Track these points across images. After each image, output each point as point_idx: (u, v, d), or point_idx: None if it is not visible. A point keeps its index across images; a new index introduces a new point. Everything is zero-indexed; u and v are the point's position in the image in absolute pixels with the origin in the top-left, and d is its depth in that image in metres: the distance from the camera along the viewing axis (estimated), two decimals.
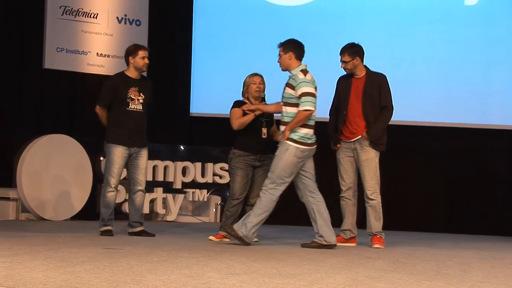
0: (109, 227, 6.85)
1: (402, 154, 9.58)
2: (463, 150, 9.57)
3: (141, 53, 6.86)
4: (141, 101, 6.88)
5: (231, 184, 6.89)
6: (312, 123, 6.36)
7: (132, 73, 6.91)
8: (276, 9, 9.89)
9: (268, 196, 6.39)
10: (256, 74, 6.92)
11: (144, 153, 6.95)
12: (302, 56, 6.46)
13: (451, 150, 9.58)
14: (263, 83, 6.91)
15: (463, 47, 9.54)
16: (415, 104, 9.49)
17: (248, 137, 6.76)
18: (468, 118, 9.47)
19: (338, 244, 6.74)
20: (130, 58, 6.87)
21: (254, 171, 6.83)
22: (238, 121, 6.72)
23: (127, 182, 7.28)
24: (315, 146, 6.39)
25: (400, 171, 9.64)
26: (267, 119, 6.82)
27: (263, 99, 6.88)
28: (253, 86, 6.86)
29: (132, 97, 6.83)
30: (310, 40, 9.66)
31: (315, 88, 6.35)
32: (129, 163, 6.92)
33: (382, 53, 9.43)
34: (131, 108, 6.82)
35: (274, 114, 6.85)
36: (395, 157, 9.47)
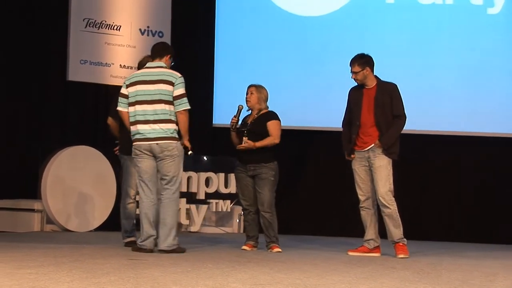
0: (133, 238, 6.87)
1: (426, 163, 9.52)
2: (488, 159, 9.48)
3: None
4: None
5: (238, 195, 7.28)
6: (135, 119, 6.30)
7: None
8: (297, 20, 9.89)
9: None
10: (250, 85, 7.09)
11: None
12: (152, 54, 6.49)
13: (476, 159, 9.50)
14: (254, 92, 7.00)
15: (486, 55, 9.47)
16: (437, 113, 9.43)
17: (238, 148, 7.00)
18: (492, 127, 9.39)
19: (362, 254, 6.74)
20: None
21: (253, 180, 6.98)
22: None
23: None
24: (147, 142, 6.27)
25: (425, 181, 9.59)
26: (248, 128, 6.95)
27: (239, 110, 7.02)
28: (246, 97, 7.04)
29: None
30: (332, 50, 9.77)
31: (134, 83, 6.33)
32: None
33: (404, 63, 9.40)
34: None
35: (260, 124, 6.96)
36: (420, 166, 9.44)
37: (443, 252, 7.55)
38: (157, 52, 6.46)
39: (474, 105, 9.44)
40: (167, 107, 6.26)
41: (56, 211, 8.43)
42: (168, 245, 6.23)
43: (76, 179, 8.56)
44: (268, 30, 9.92)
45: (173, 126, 6.28)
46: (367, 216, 6.86)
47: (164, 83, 6.28)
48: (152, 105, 6.26)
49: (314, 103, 9.69)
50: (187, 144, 6.34)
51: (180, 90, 6.29)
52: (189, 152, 6.40)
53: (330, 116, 9.50)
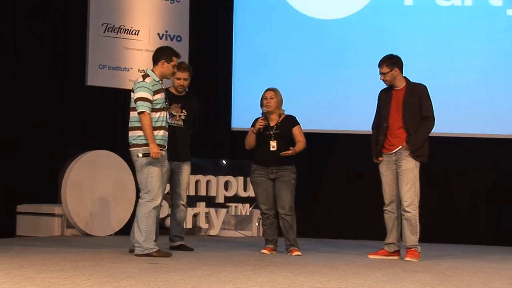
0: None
1: (447, 166, 9.45)
2: (510, 161, 9.43)
3: (177, 74, 6.94)
4: (182, 117, 6.98)
5: (256, 199, 7.22)
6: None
7: (174, 90, 7.03)
8: (316, 23, 9.87)
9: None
10: (268, 89, 7.03)
11: (185, 168, 7.00)
12: (153, 60, 6.56)
13: (497, 161, 9.45)
14: (274, 97, 6.98)
15: (506, 57, 9.42)
16: (457, 116, 9.38)
17: (260, 150, 7.01)
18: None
19: (382, 257, 6.72)
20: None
21: (273, 183, 6.96)
22: (245, 141, 7.05)
23: (169, 197, 7.34)
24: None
25: (446, 183, 9.53)
26: (276, 132, 6.93)
27: (264, 115, 6.98)
28: (263, 101, 7.01)
29: (173, 113, 6.91)
30: (351, 53, 9.74)
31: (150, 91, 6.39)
32: (171, 178, 6.99)
33: (423, 65, 9.34)
34: (171, 123, 6.86)
35: (286, 128, 6.96)
36: (440, 169, 9.37)
37: (465, 255, 7.51)
38: (153, 59, 6.56)
39: (494, 107, 9.38)
40: (134, 114, 6.37)
41: (76, 215, 8.46)
42: (137, 247, 6.31)
43: (95, 184, 8.59)
44: (287, 34, 9.91)
45: (136, 133, 6.34)
46: (390, 220, 6.83)
47: (132, 91, 6.43)
48: (130, 114, 6.45)
49: (333, 106, 9.66)
50: (151, 148, 6.25)
51: (137, 94, 6.34)
52: (139, 154, 6.30)
53: (348, 119, 9.49)
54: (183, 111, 6.99)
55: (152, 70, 6.47)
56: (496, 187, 9.48)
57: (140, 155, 6.29)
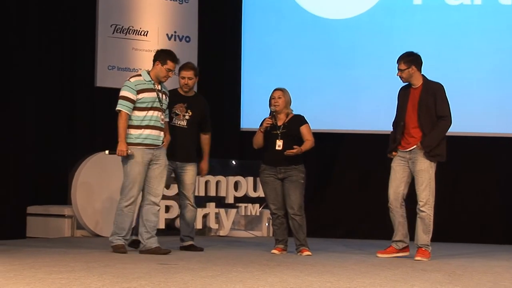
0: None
1: (457, 165, 9.42)
2: None
3: (182, 73, 7.02)
4: (187, 117, 6.95)
5: (265, 199, 7.22)
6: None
7: (181, 90, 7.04)
8: (324, 22, 9.87)
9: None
10: (276, 89, 7.03)
11: (189, 168, 6.98)
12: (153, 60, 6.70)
13: (507, 160, 9.42)
14: (282, 96, 6.97)
15: None
16: (466, 115, 9.34)
17: (267, 150, 7.01)
18: None
19: (391, 255, 6.71)
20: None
21: (282, 183, 6.95)
22: (253, 140, 7.05)
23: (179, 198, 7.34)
24: None
25: (456, 182, 9.51)
26: (283, 131, 6.92)
27: (272, 114, 6.97)
28: (271, 101, 7.02)
29: (177, 112, 6.92)
30: (359, 53, 9.73)
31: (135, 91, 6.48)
32: (177, 179, 7.01)
33: (432, 64, 9.22)
34: (173, 123, 6.89)
35: (293, 127, 6.94)
36: (451, 168, 9.35)
37: (475, 254, 7.49)
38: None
39: (505, 106, 9.36)
40: None
41: (86, 216, 8.48)
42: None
43: (105, 185, 8.61)
44: (295, 34, 9.91)
45: (127, 131, 6.51)
46: (394, 217, 6.81)
47: None
48: None
49: (341, 106, 9.66)
50: (118, 146, 6.42)
51: (120, 93, 6.55)
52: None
53: (357, 119, 9.48)
54: (188, 111, 6.98)
55: (148, 70, 6.63)
56: (507, 186, 9.45)
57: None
